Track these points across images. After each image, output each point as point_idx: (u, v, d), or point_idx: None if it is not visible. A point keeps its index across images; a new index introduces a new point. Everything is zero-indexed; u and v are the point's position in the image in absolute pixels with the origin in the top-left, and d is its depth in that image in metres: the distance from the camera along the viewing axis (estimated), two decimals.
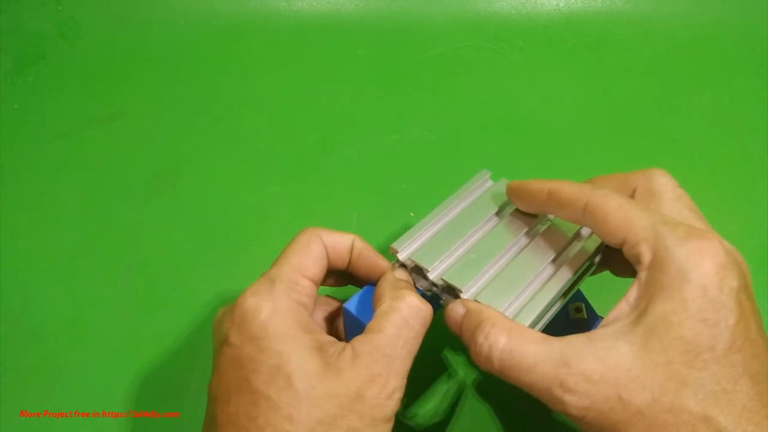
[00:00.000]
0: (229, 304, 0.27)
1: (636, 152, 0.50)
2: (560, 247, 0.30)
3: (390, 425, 0.25)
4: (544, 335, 0.25)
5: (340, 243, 0.30)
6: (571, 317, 0.35)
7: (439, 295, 0.30)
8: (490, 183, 0.35)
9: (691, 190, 0.48)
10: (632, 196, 0.29)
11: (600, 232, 0.27)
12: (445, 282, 0.29)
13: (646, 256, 0.24)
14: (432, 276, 0.29)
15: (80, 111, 0.51)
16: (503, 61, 0.55)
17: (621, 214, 0.26)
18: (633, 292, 0.25)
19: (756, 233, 0.46)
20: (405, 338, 0.26)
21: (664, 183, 0.29)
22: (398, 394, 0.25)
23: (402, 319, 0.26)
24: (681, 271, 0.23)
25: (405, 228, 0.34)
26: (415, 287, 0.30)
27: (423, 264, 0.29)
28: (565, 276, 0.29)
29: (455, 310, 0.27)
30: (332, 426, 0.23)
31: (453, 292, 0.29)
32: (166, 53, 0.55)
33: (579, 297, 0.35)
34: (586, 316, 0.34)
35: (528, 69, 0.55)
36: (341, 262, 0.30)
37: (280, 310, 0.26)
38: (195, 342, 0.40)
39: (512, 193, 0.32)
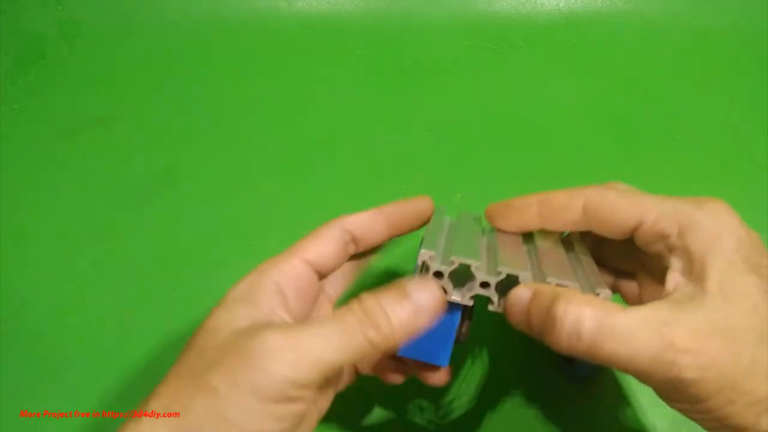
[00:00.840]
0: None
1: (636, 152, 0.50)
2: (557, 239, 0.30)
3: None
4: (624, 306, 0.23)
5: (367, 223, 0.29)
6: None
7: (489, 297, 0.26)
8: (448, 219, 0.33)
9: (692, 190, 0.48)
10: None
11: (607, 226, 0.26)
12: (503, 271, 0.25)
13: (673, 228, 0.25)
14: (479, 272, 0.25)
15: (80, 111, 0.51)
16: (503, 61, 0.55)
17: (627, 199, 0.26)
18: (677, 264, 0.25)
19: (759, 232, 0.46)
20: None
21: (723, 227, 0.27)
22: None
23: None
24: (713, 230, 0.24)
25: None
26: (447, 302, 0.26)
27: (468, 260, 0.25)
28: (587, 256, 0.29)
29: (520, 296, 0.25)
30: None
31: (509, 283, 0.25)
32: (166, 53, 0.55)
33: None
34: None
35: (528, 69, 0.55)
36: (377, 237, 0.30)
37: (242, 282, 0.28)
38: None
39: (496, 214, 0.30)
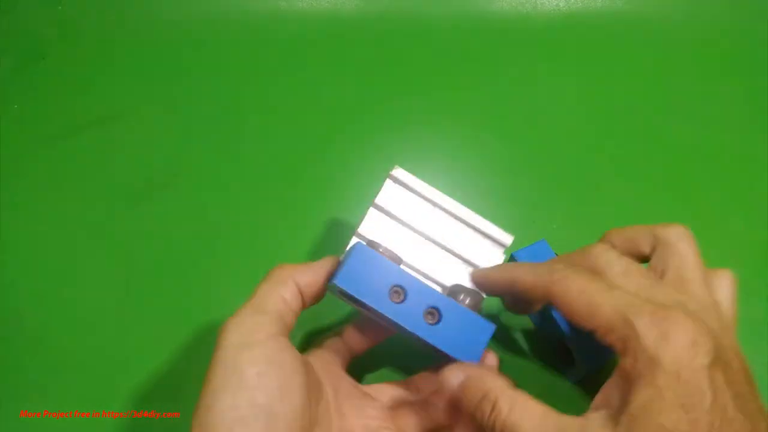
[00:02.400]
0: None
1: (636, 152, 0.50)
2: None
3: None
4: (547, 409, 0.25)
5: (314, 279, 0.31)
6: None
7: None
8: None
9: (692, 190, 0.48)
10: (648, 255, 0.29)
11: (570, 320, 0.27)
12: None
13: (618, 345, 0.24)
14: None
15: (80, 111, 0.51)
16: (503, 61, 0.55)
17: (583, 301, 0.25)
18: (616, 379, 0.25)
19: (756, 233, 0.46)
20: None
21: (679, 252, 0.28)
22: None
23: None
24: (653, 359, 0.23)
25: None
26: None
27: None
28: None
29: (454, 378, 0.28)
30: None
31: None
32: (166, 53, 0.55)
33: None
34: None
35: (528, 69, 0.55)
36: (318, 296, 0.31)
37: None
38: (195, 342, 0.40)
39: (477, 282, 0.33)
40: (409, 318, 0.30)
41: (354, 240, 0.33)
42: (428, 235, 0.34)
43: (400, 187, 0.34)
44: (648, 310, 0.24)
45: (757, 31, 0.57)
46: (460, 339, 0.31)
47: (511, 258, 0.39)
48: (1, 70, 0.54)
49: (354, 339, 0.34)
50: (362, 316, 0.34)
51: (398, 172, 0.34)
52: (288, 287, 0.29)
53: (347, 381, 0.33)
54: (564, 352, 0.37)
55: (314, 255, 0.43)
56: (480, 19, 0.58)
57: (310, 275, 0.30)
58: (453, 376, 0.28)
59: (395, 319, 0.30)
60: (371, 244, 0.32)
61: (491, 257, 0.35)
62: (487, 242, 0.35)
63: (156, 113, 0.52)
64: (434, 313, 0.31)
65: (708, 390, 0.22)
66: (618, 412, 0.23)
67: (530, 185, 0.48)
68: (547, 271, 0.27)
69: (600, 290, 0.25)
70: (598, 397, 0.25)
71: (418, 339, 0.31)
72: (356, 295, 0.29)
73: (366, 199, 0.34)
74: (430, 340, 0.30)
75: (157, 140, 0.50)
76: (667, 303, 0.25)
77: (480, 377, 0.27)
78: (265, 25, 0.57)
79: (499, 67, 0.55)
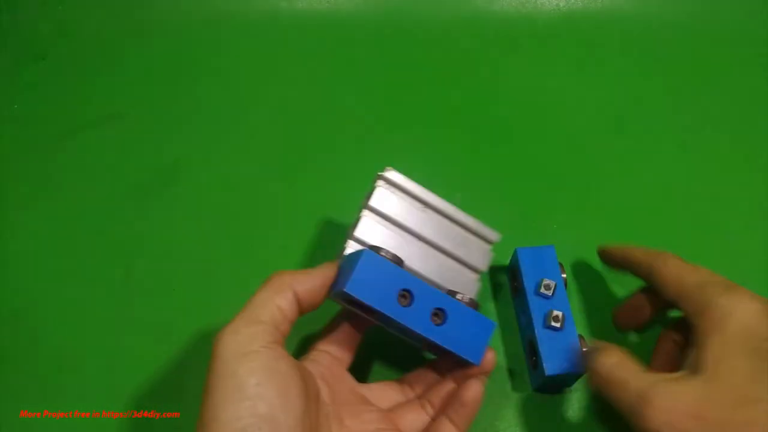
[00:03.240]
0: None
1: (636, 152, 0.50)
2: None
3: None
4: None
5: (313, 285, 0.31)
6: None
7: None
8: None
9: (692, 190, 0.48)
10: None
11: (661, 293, 0.34)
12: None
13: (695, 308, 0.31)
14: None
15: (80, 111, 0.51)
16: (503, 61, 0.55)
17: (674, 273, 0.33)
18: (691, 340, 0.31)
19: (756, 233, 0.46)
20: None
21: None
22: None
23: None
24: (724, 315, 0.29)
25: None
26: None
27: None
28: None
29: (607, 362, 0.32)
30: None
31: None
32: (166, 53, 0.55)
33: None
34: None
35: (528, 69, 0.55)
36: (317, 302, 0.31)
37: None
38: (194, 342, 0.40)
39: (603, 254, 0.40)
40: (417, 320, 0.30)
41: (351, 244, 0.33)
42: (420, 234, 0.34)
43: (392, 188, 0.35)
44: (724, 283, 0.31)
45: (757, 31, 0.57)
46: (464, 337, 0.31)
47: (515, 253, 0.40)
48: (1, 70, 0.54)
49: (349, 336, 0.35)
50: (346, 312, 0.34)
51: (390, 173, 0.35)
52: (285, 296, 0.30)
53: (347, 383, 0.34)
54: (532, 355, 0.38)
55: (313, 254, 0.44)
56: (480, 19, 0.58)
57: (309, 283, 0.30)
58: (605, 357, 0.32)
59: (405, 323, 0.30)
60: (374, 248, 0.32)
61: (479, 255, 0.36)
62: (475, 239, 0.36)
63: (156, 113, 0.52)
64: (439, 314, 0.31)
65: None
66: (697, 364, 0.29)
67: (530, 185, 0.48)
68: (654, 251, 0.35)
69: (690, 270, 0.33)
70: (682, 362, 0.31)
71: (423, 339, 0.31)
72: (367, 302, 0.29)
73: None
74: (438, 341, 0.30)
75: (156, 140, 0.50)
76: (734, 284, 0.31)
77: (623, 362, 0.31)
78: (265, 25, 0.57)
79: (500, 67, 0.55)
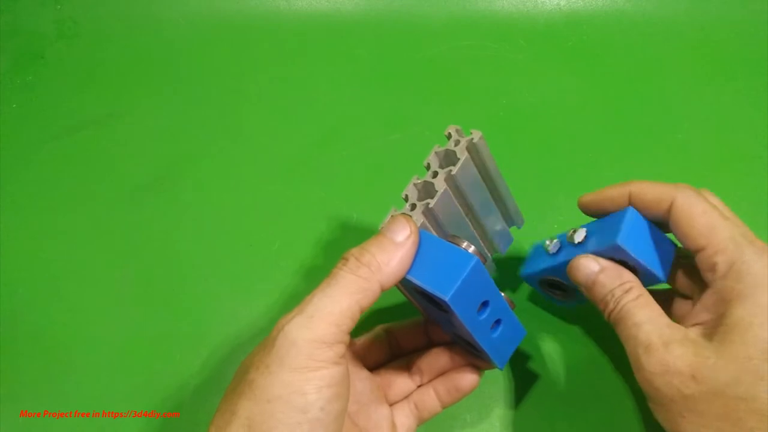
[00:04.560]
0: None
1: (637, 151, 0.50)
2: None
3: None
4: (662, 312, 0.28)
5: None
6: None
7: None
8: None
9: None
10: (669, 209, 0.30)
11: (680, 236, 0.29)
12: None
13: (723, 267, 0.27)
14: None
15: (80, 111, 0.51)
16: (504, 61, 0.55)
17: (705, 221, 0.28)
18: (709, 299, 0.27)
19: (756, 233, 0.46)
20: None
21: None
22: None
23: None
24: (758, 280, 0.26)
25: None
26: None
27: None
28: None
29: (589, 266, 0.30)
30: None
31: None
32: (166, 53, 0.55)
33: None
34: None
35: (529, 68, 0.55)
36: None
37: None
38: (194, 342, 0.40)
39: (589, 204, 0.33)
40: (480, 329, 0.29)
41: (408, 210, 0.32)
42: (469, 202, 0.35)
43: (472, 155, 0.34)
44: (758, 243, 0.28)
45: (757, 31, 0.57)
46: (499, 341, 0.31)
47: (535, 249, 0.38)
48: (0, 70, 0.54)
49: (407, 337, 0.35)
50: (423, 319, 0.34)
51: (476, 135, 0.34)
52: (361, 299, 0.26)
53: (362, 383, 0.33)
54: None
55: (313, 254, 0.43)
56: (480, 19, 0.58)
57: (369, 300, 0.27)
58: (592, 263, 0.30)
59: (472, 332, 0.29)
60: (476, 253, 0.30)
61: (503, 236, 0.37)
62: (502, 220, 0.37)
63: (155, 112, 0.52)
64: (497, 323, 0.31)
65: None
66: (713, 326, 0.27)
67: (530, 185, 0.48)
68: (672, 186, 0.30)
69: (719, 217, 0.28)
70: (688, 319, 0.28)
71: (465, 336, 0.30)
72: (457, 312, 0.28)
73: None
74: (485, 346, 0.30)
75: (155, 139, 0.50)
76: None
77: (619, 269, 0.29)
78: (264, 25, 0.57)
79: (500, 66, 0.55)
